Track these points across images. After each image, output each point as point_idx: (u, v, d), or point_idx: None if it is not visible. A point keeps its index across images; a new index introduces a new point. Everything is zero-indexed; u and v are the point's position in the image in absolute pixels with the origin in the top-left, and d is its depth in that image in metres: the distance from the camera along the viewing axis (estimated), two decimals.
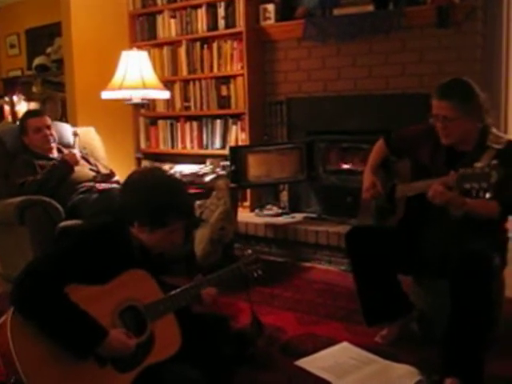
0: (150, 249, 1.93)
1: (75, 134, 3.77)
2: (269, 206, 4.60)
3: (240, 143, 4.66)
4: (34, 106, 6.46)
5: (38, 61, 6.71)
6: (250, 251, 2.26)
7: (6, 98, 6.99)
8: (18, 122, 3.87)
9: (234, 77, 4.69)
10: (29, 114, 3.75)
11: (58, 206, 3.17)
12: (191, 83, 4.97)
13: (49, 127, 3.52)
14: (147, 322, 1.83)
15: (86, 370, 1.68)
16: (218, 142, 4.84)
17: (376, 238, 2.55)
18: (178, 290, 1.95)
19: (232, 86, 4.72)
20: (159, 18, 5.10)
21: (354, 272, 2.62)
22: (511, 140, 2.38)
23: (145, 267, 1.90)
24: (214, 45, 4.78)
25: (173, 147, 5.14)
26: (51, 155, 3.52)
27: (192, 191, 3.64)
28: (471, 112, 2.33)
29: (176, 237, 1.92)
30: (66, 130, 3.87)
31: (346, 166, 4.42)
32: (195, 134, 4.98)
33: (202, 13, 4.81)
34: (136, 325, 1.81)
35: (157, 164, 4.89)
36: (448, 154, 2.44)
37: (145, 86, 3.94)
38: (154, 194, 1.86)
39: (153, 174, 1.98)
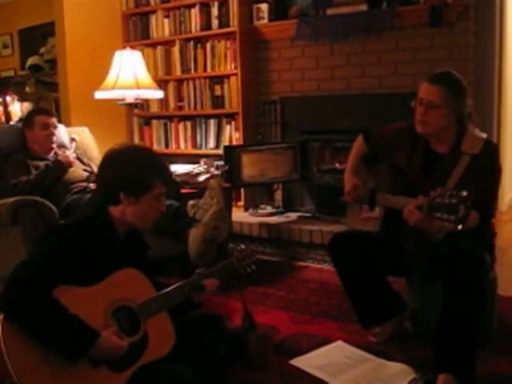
0: (138, 226, 1.94)
1: (73, 140, 3.73)
2: (263, 206, 4.61)
3: (234, 143, 4.66)
4: (27, 106, 6.44)
5: (31, 61, 6.70)
6: (243, 246, 2.27)
7: None
8: (11, 122, 3.85)
9: (228, 76, 4.70)
10: (40, 110, 3.85)
11: (52, 206, 3.16)
12: (185, 83, 4.97)
13: (55, 128, 3.54)
14: (141, 321, 1.83)
15: (81, 372, 1.67)
16: (211, 142, 4.84)
17: (360, 244, 2.53)
18: (171, 287, 1.95)
19: (226, 86, 4.72)
20: (152, 18, 5.10)
21: (343, 280, 2.59)
22: (486, 142, 2.33)
23: (132, 257, 1.91)
24: (208, 44, 4.78)
25: (167, 147, 5.14)
26: (47, 156, 3.51)
27: (186, 191, 3.64)
28: (455, 108, 2.30)
29: (161, 204, 1.95)
30: (60, 130, 3.84)
31: (339, 166, 4.43)
32: (189, 133, 4.98)
33: (195, 12, 4.81)
34: (129, 324, 1.81)
35: None
36: (425, 155, 2.41)
37: (138, 86, 3.93)
38: (135, 161, 1.91)
39: (128, 146, 2.07)
